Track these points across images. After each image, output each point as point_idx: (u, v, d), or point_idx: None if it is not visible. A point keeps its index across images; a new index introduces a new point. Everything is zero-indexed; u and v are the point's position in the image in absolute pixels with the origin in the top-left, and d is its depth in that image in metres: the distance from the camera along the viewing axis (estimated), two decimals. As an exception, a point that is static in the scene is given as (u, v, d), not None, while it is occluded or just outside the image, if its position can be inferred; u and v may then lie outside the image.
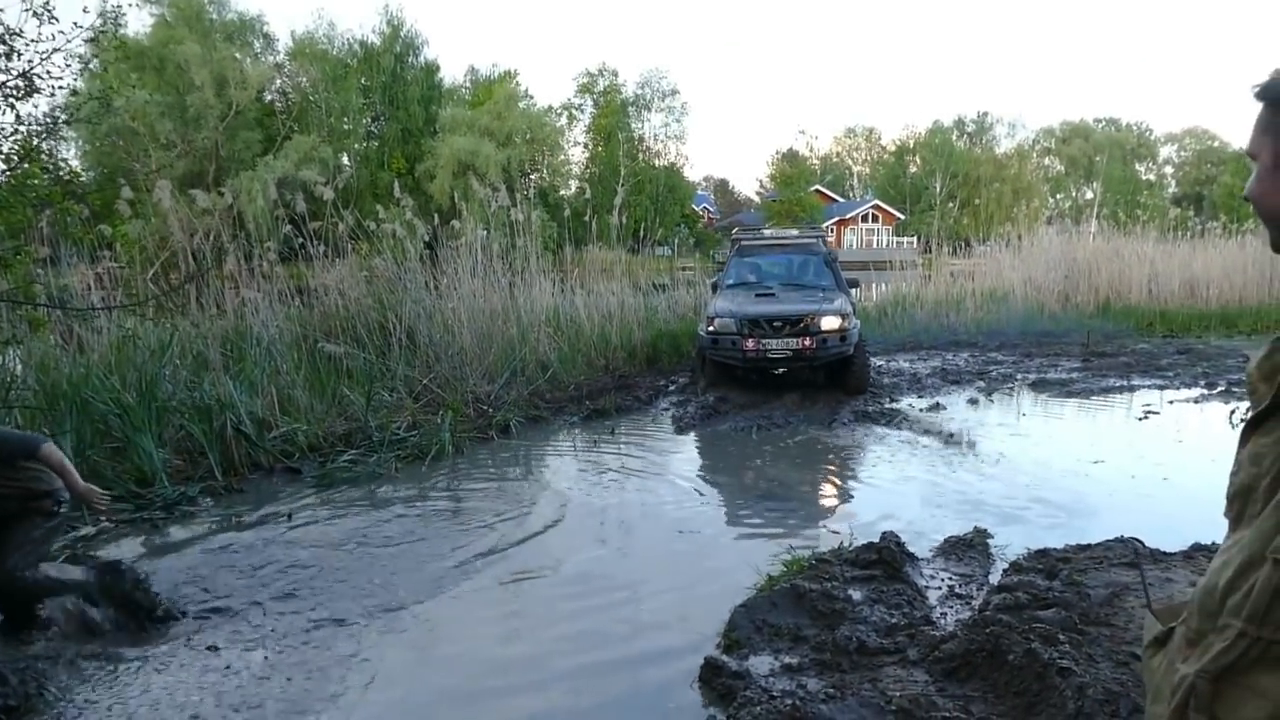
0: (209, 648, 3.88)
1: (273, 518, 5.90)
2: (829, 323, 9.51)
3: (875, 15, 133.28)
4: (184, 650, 3.88)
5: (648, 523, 5.74)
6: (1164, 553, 4.26)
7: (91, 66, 7.23)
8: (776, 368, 9.87)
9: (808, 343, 9.42)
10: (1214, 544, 4.33)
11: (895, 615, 3.85)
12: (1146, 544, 4.43)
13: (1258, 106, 1.22)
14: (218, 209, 10.43)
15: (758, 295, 10.44)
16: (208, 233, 10.09)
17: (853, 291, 11.19)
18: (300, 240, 10.52)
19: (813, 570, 4.25)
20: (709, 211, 72.80)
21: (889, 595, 4.01)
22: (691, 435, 8.39)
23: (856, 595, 4.03)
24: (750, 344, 9.47)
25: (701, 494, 6.37)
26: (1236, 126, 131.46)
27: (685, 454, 7.73)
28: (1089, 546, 4.31)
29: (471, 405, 8.79)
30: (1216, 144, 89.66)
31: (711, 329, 9.75)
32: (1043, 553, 4.25)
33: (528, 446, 8.11)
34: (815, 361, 9.68)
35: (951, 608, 4.07)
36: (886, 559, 4.32)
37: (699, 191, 72.10)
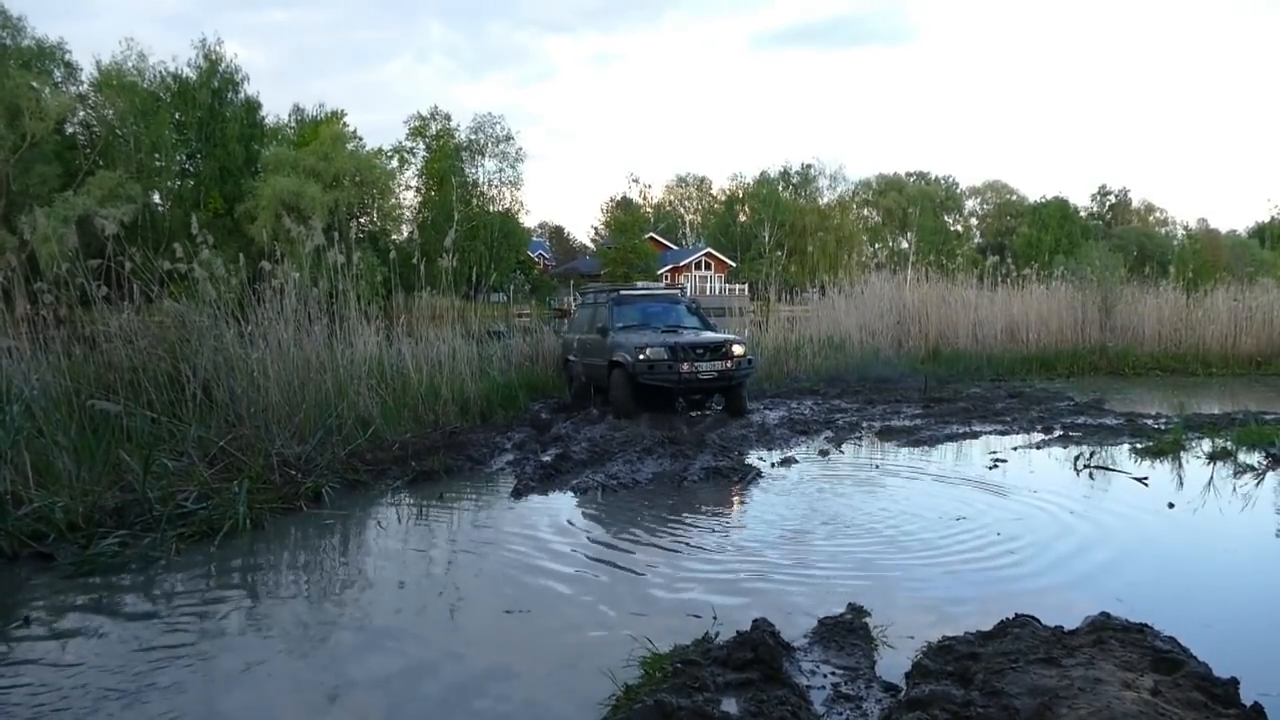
0: None
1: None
2: (738, 349, 11.70)
3: (702, 65, 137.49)
4: None
5: (473, 608, 4.88)
6: (1067, 632, 3.78)
7: None
8: (706, 386, 11.64)
9: (729, 365, 11.46)
10: (1110, 617, 3.89)
11: (780, 733, 3.17)
12: (1044, 621, 3.96)
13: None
14: (8, 248, 9.07)
15: (664, 331, 12.15)
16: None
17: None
18: (98, 283, 9.11)
19: (678, 676, 3.52)
20: (545, 258, 72.41)
21: (770, 705, 3.32)
22: (528, 500, 7.52)
23: (732, 709, 3.33)
24: (685, 367, 11.19)
25: (540, 569, 5.56)
26: (1031, 181, 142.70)
27: (521, 521, 6.84)
28: (991, 636, 3.76)
29: (278, 470, 7.65)
30: (1015, 197, 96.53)
31: (644, 356, 11.19)
32: (947, 648, 3.65)
33: (342, 518, 7.06)
34: (733, 381, 11.63)
35: (842, 715, 3.44)
36: (763, 656, 3.65)
37: (535, 238, 71.61)
